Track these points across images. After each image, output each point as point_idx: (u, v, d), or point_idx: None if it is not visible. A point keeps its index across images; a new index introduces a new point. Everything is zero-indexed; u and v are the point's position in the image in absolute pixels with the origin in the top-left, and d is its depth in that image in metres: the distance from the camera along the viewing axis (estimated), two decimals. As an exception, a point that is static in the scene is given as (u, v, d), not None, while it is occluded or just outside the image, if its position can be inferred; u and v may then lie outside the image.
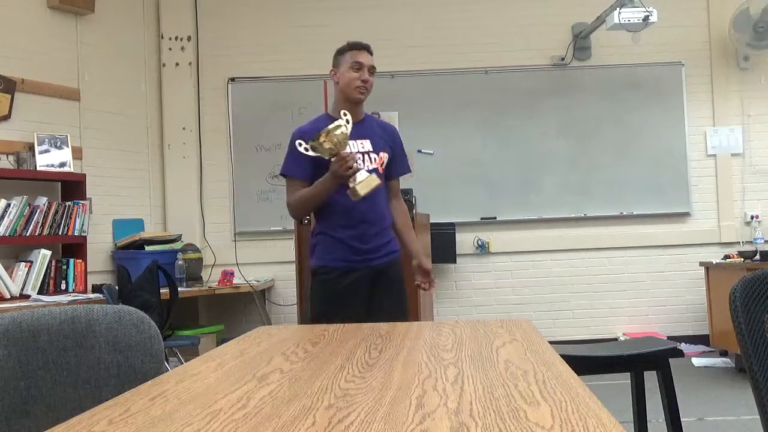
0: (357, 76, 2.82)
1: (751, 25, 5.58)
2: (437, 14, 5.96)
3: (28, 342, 1.36)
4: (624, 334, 5.71)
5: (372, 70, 2.87)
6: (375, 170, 2.81)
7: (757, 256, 4.91)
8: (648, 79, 5.86)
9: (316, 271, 2.87)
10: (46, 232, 4.56)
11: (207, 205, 5.90)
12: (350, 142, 2.74)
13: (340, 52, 2.89)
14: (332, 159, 2.62)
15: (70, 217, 4.70)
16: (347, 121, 2.64)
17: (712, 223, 5.87)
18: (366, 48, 2.89)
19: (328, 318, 2.71)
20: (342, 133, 2.60)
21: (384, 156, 2.87)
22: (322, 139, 2.58)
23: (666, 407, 2.45)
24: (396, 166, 2.99)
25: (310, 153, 2.66)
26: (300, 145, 2.67)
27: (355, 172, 2.62)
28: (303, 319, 4.47)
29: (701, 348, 5.51)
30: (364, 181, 2.63)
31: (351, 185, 2.62)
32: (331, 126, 2.60)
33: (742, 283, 1.43)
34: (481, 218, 5.83)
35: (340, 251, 2.81)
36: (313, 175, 2.80)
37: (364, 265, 2.81)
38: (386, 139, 2.94)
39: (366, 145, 2.84)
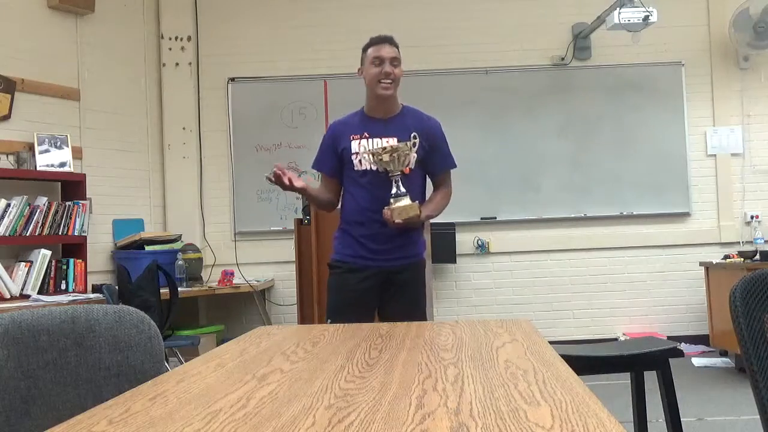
0: (378, 71, 2.80)
1: (751, 25, 5.58)
2: (437, 14, 5.96)
3: (28, 342, 1.36)
4: (624, 334, 5.71)
5: (395, 61, 2.82)
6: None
7: (757, 256, 4.91)
8: (648, 79, 5.86)
9: (331, 266, 2.90)
10: (46, 232, 4.56)
11: (207, 205, 5.90)
12: (374, 140, 2.80)
13: (364, 50, 2.87)
14: (390, 175, 2.70)
15: (70, 217, 4.70)
16: (414, 144, 2.72)
17: (712, 223, 5.87)
18: (386, 40, 2.84)
19: (340, 313, 2.72)
20: (404, 154, 2.68)
21: (412, 158, 2.82)
22: (383, 152, 2.68)
23: (666, 407, 2.44)
24: (436, 162, 2.89)
25: (365, 156, 2.74)
26: (364, 148, 2.75)
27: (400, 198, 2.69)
28: (303, 319, 4.47)
29: (701, 348, 5.51)
30: (404, 208, 2.68)
31: (392, 205, 2.68)
32: (398, 145, 2.69)
33: (742, 283, 1.43)
34: (481, 218, 5.83)
35: (355, 248, 2.83)
36: (338, 169, 2.85)
37: (375, 264, 2.80)
38: (421, 135, 2.82)
39: (391, 143, 2.79)
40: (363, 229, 2.81)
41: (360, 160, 2.79)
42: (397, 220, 2.64)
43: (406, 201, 2.70)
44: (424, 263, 2.95)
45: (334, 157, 2.83)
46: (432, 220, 5.12)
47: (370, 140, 2.80)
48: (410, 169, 2.82)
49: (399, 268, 2.83)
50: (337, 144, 2.83)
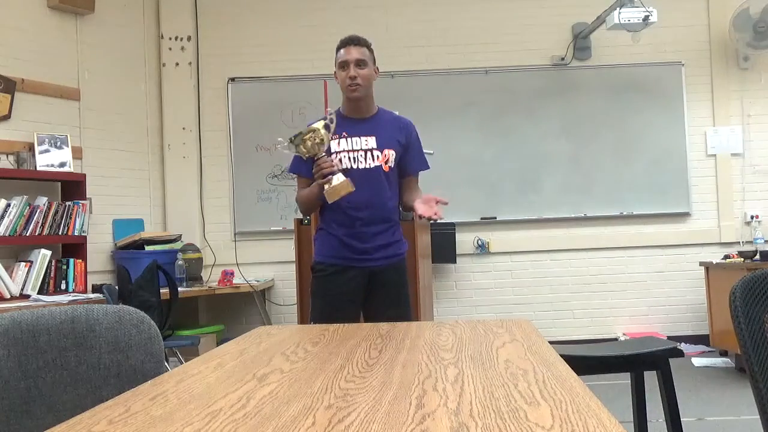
0: (344, 75, 2.79)
1: (751, 25, 5.58)
2: (437, 14, 5.96)
3: (28, 342, 1.36)
4: (624, 334, 5.72)
5: (360, 62, 2.78)
6: (379, 167, 2.80)
7: (757, 256, 4.91)
8: (648, 79, 5.86)
9: (313, 268, 2.88)
10: (46, 232, 4.56)
11: (207, 205, 5.90)
12: (354, 139, 2.76)
13: (336, 51, 2.87)
14: (315, 160, 2.66)
15: (70, 217, 4.70)
16: (331, 120, 2.66)
17: (712, 223, 5.86)
18: (350, 42, 2.81)
19: (326, 317, 2.71)
20: (319, 135, 2.62)
21: (389, 153, 2.82)
22: (304, 138, 2.61)
23: (666, 407, 2.44)
24: (411, 163, 2.91)
25: (286, 151, 2.68)
26: (280, 142, 2.68)
27: (327, 178, 2.62)
28: (303, 319, 4.47)
29: (701, 348, 5.51)
30: (335, 187, 2.62)
31: (326, 188, 2.64)
32: (307, 128, 2.63)
33: (742, 283, 1.43)
34: (481, 218, 5.83)
35: (337, 248, 2.81)
36: None
37: (360, 264, 2.80)
38: (398, 135, 2.87)
39: (370, 142, 2.81)
40: (345, 229, 2.80)
41: (341, 159, 2.78)
42: (330, 202, 2.64)
43: (340, 178, 2.63)
44: (405, 263, 2.94)
45: (312, 161, 2.80)
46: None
47: (349, 139, 2.80)
48: (390, 167, 2.83)
49: (383, 268, 2.82)
50: None
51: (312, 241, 2.98)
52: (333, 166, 2.66)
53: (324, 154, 2.66)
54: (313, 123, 2.66)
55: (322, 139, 2.63)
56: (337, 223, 2.81)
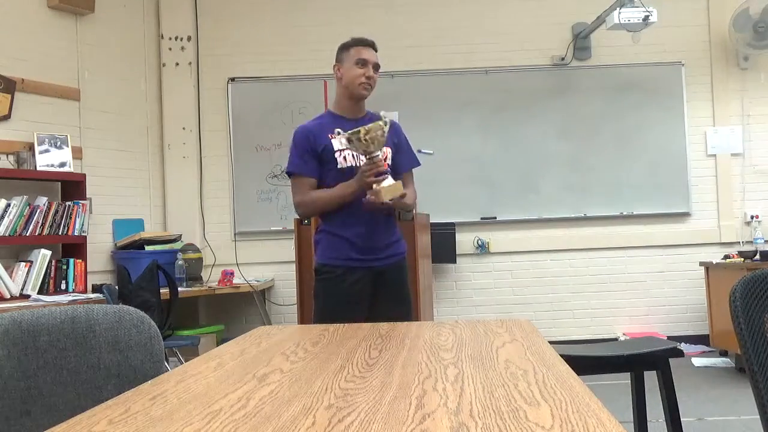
0: (361, 72, 2.79)
1: (751, 25, 5.58)
2: (437, 14, 5.96)
3: (28, 342, 1.36)
4: (624, 334, 5.72)
5: (376, 67, 2.85)
6: None
7: (757, 256, 4.91)
8: (648, 79, 5.86)
9: (318, 270, 2.85)
10: (46, 232, 4.56)
11: (207, 205, 5.90)
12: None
13: (345, 48, 2.86)
14: (366, 157, 2.64)
15: (70, 217, 4.70)
16: (385, 123, 2.65)
17: (712, 223, 5.86)
18: (371, 44, 2.86)
19: (329, 320, 2.70)
20: (381, 133, 2.61)
21: (387, 151, 2.84)
22: (362, 133, 2.59)
23: (666, 407, 2.45)
24: (402, 160, 2.94)
25: (342, 143, 2.67)
26: (339, 134, 2.66)
27: (382, 178, 2.63)
28: (303, 319, 4.47)
29: (701, 348, 5.51)
30: (390, 187, 2.63)
31: (376, 187, 2.63)
32: (371, 125, 2.62)
33: (742, 283, 1.43)
34: (481, 218, 5.83)
35: (343, 250, 2.79)
36: (319, 172, 2.80)
37: (365, 265, 2.78)
38: (390, 134, 2.87)
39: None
40: (354, 229, 2.78)
41: (344, 157, 2.78)
42: (385, 200, 2.62)
43: (390, 180, 2.66)
44: (406, 262, 2.95)
45: (314, 159, 2.78)
46: (432, 220, 5.14)
47: None
48: (388, 165, 2.82)
49: (386, 268, 2.82)
50: (315, 145, 2.78)
51: (312, 241, 2.97)
52: (386, 166, 2.67)
53: (379, 153, 2.65)
54: (378, 121, 2.67)
55: (384, 138, 2.64)
56: (344, 223, 2.80)
